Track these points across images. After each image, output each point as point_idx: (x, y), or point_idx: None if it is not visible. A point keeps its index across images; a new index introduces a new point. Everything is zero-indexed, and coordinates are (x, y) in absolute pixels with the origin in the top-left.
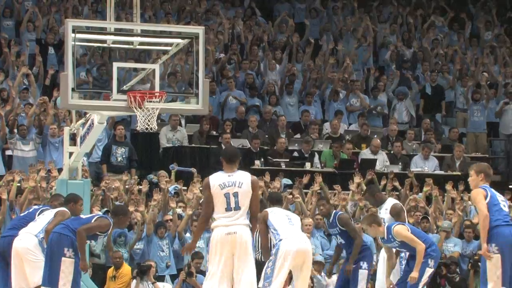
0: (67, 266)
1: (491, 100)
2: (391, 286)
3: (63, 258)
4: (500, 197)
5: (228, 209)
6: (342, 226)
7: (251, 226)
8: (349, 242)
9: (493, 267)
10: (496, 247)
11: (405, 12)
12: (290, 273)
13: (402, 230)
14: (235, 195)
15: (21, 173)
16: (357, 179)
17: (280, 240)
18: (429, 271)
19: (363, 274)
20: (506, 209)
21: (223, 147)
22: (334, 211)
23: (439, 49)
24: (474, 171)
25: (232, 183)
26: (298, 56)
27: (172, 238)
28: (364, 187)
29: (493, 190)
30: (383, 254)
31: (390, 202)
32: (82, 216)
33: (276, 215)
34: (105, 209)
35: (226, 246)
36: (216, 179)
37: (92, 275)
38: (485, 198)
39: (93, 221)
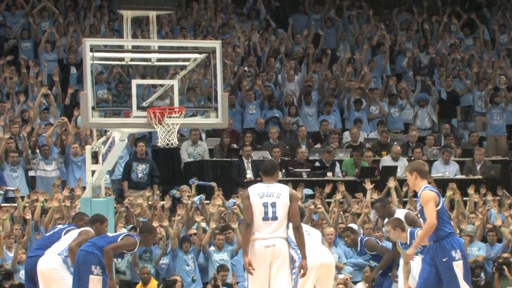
0: (95, 283)
1: (510, 103)
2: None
3: (91, 276)
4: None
5: (265, 218)
6: (371, 251)
7: (295, 237)
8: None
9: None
10: (460, 253)
11: (420, 18)
12: None
13: None
14: (273, 205)
15: (44, 193)
16: (368, 186)
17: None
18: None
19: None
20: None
21: (244, 160)
22: (360, 237)
23: (456, 54)
24: (407, 171)
25: (270, 193)
26: (315, 66)
27: (197, 252)
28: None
29: (442, 200)
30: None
31: (401, 212)
32: (109, 234)
33: None
34: (131, 225)
35: (265, 258)
36: (255, 189)
37: None
38: (437, 204)
39: (119, 239)
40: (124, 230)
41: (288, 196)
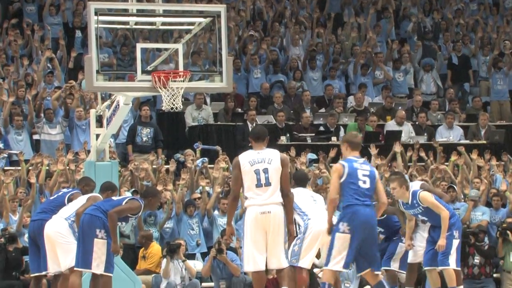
0: (99, 247)
1: None
2: (409, 245)
3: (95, 239)
4: (362, 172)
5: (258, 185)
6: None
7: (283, 203)
8: (388, 228)
9: (340, 247)
10: (348, 227)
11: None
12: None
13: (428, 196)
14: (265, 171)
15: (49, 157)
16: (373, 150)
17: (309, 219)
18: (456, 243)
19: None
20: (367, 185)
21: (249, 124)
22: None
23: (460, 19)
24: (341, 143)
25: (261, 159)
26: (321, 30)
27: (201, 216)
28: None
29: (356, 163)
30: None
31: (416, 184)
32: (113, 198)
33: (301, 197)
34: (133, 189)
35: (261, 224)
36: (246, 157)
37: (122, 255)
38: (341, 176)
39: (124, 203)
40: (128, 194)
41: (279, 161)
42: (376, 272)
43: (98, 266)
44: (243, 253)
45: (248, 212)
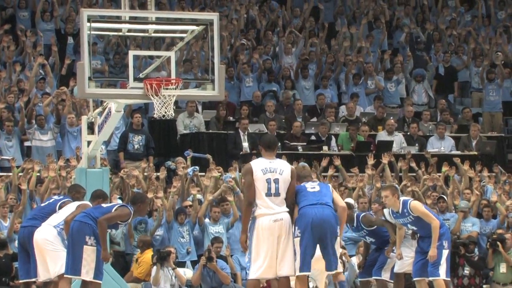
0: (89, 254)
1: (506, 79)
2: (399, 255)
3: (84, 246)
4: (310, 184)
5: (268, 194)
6: (369, 226)
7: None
8: (379, 238)
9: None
10: (298, 230)
11: None
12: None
13: (419, 206)
14: (276, 181)
15: (39, 163)
16: (370, 161)
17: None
18: (445, 253)
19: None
20: (316, 189)
21: (240, 132)
22: (356, 213)
23: (452, 30)
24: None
25: (274, 169)
26: (313, 40)
27: (192, 224)
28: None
29: (305, 184)
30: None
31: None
32: (103, 205)
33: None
34: (118, 196)
35: (273, 232)
36: (258, 164)
37: (112, 262)
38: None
39: (113, 210)
40: (119, 201)
41: (290, 173)
42: (330, 272)
43: (87, 273)
44: (251, 260)
45: (260, 221)
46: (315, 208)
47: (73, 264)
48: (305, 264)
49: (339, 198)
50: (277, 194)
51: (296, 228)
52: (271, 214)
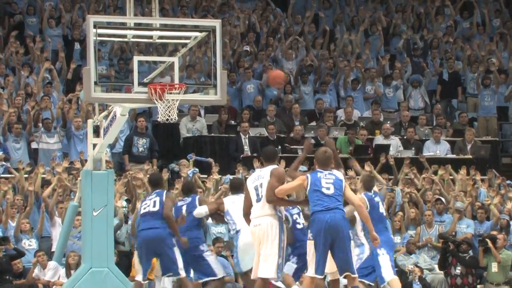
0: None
1: (501, 85)
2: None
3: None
4: (326, 180)
5: (258, 200)
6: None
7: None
8: None
9: (310, 254)
10: (311, 234)
11: (415, 1)
12: None
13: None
14: (261, 186)
15: (42, 166)
16: (367, 166)
17: (237, 231)
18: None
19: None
20: (330, 191)
21: (242, 136)
22: None
23: (449, 37)
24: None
25: (260, 176)
26: (314, 45)
27: None
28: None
29: (320, 174)
30: None
31: None
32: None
33: (236, 204)
34: (126, 198)
35: (255, 237)
36: (251, 177)
37: (117, 261)
38: (306, 186)
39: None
40: (124, 203)
41: (269, 173)
42: (353, 276)
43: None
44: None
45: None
46: (328, 214)
47: None
48: (319, 268)
49: (353, 195)
50: (259, 199)
51: (309, 231)
52: (254, 218)
